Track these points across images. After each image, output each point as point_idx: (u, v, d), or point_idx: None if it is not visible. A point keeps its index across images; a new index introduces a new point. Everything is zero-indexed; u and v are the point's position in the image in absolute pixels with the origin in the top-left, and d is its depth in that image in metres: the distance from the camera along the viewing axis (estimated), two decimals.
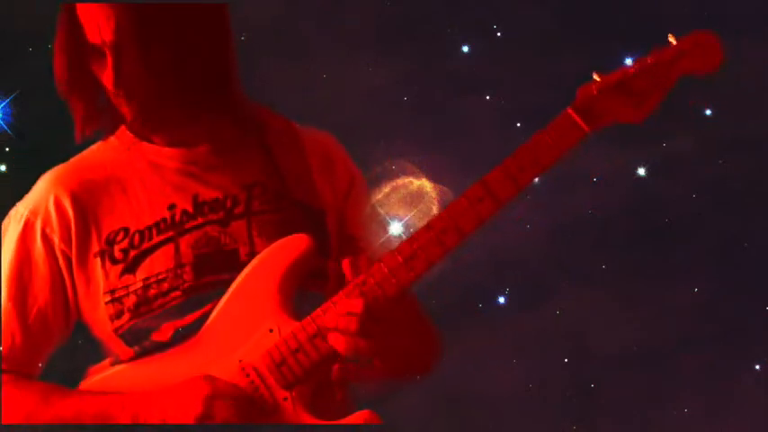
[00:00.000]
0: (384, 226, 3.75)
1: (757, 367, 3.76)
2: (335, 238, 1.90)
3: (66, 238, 1.84)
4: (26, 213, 1.86)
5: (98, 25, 1.77)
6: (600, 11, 3.70)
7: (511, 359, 3.79)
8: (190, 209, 1.83)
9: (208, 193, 1.84)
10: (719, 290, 3.77)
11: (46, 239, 1.85)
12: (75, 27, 1.82)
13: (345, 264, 1.76)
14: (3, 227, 1.90)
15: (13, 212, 1.89)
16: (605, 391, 3.84)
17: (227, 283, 1.80)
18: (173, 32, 1.77)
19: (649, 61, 1.86)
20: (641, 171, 3.80)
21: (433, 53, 3.82)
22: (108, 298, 1.82)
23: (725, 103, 3.75)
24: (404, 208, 3.76)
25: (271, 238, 1.81)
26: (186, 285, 1.80)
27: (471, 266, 3.56)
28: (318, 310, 1.76)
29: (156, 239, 1.81)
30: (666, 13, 3.72)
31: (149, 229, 1.82)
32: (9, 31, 3.68)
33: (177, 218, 1.82)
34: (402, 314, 1.77)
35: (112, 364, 1.84)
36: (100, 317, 1.84)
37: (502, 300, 3.83)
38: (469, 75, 3.83)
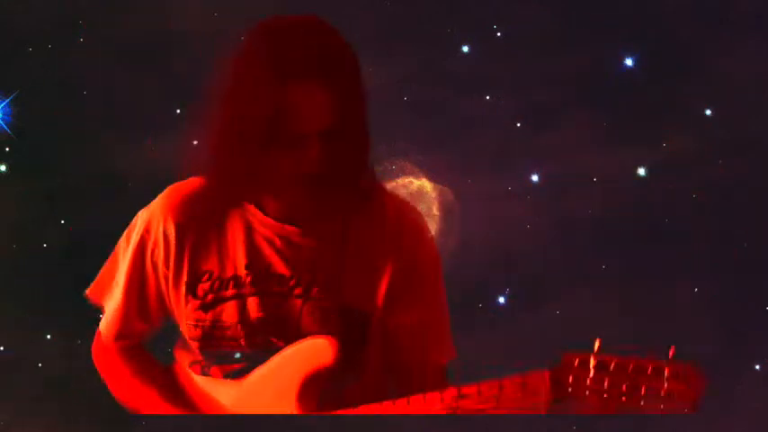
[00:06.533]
0: None
1: (757, 367, 3.76)
2: (377, 337, 2.05)
3: (166, 263, 2.08)
4: (142, 231, 2.10)
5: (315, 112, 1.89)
6: (600, 11, 3.70)
7: (511, 359, 3.78)
8: (263, 275, 2.05)
9: (280, 268, 2.04)
10: (719, 290, 3.76)
11: (152, 259, 2.10)
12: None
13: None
14: (135, 220, 2.15)
15: (142, 216, 2.13)
16: None
17: (274, 348, 2.04)
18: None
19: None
20: (641, 171, 3.80)
21: (433, 53, 3.82)
22: (185, 321, 2.09)
23: (725, 103, 3.75)
24: None
25: (315, 323, 2.02)
26: (241, 340, 2.05)
27: (471, 266, 3.56)
28: None
29: (230, 291, 2.05)
30: (667, 13, 3.72)
31: (228, 280, 2.05)
32: (9, 31, 3.68)
33: (250, 279, 2.04)
34: None
35: (203, 372, 2.11)
36: (183, 330, 2.11)
37: (502, 300, 3.83)
38: (469, 75, 3.83)
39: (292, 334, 2.02)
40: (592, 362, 1.78)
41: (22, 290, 3.66)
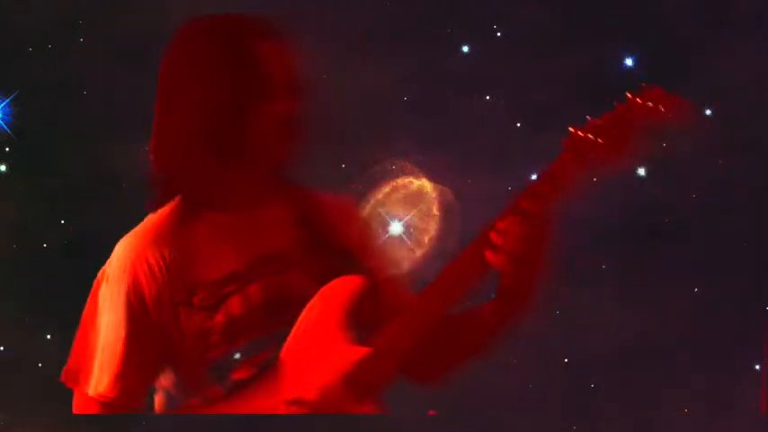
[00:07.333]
0: (384, 226, 3.76)
1: (757, 367, 3.76)
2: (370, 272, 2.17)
3: (158, 297, 2.08)
4: (121, 280, 2.09)
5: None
6: (600, 11, 3.70)
7: (511, 359, 3.78)
8: (252, 261, 2.10)
9: (264, 248, 2.11)
10: (719, 290, 3.76)
11: (142, 301, 2.08)
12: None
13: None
14: (96, 289, 2.13)
15: (108, 278, 2.11)
16: (605, 391, 3.84)
17: (293, 322, 2.08)
18: None
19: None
20: (641, 171, 3.80)
21: (433, 53, 3.82)
22: (192, 339, 2.07)
23: (725, 103, 3.75)
24: (404, 208, 3.77)
25: (320, 281, 2.09)
26: (259, 326, 2.07)
27: None
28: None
29: (229, 288, 2.08)
30: (667, 13, 3.72)
31: (222, 279, 2.08)
32: (9, 31, 3.69)
33: (243, 270, 2.09)
34: None
35: (208, 402, 2.08)
36: (188, 357, 2.08)
37: None
38: (469, 75, 3.83)
39: (301, 304, 2.08)
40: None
41: (22, 290, 3.66)
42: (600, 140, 2.07)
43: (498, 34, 3.87)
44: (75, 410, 2.16)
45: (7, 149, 3.73)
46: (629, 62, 3.77)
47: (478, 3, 3.82)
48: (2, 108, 3.62)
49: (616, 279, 3.80)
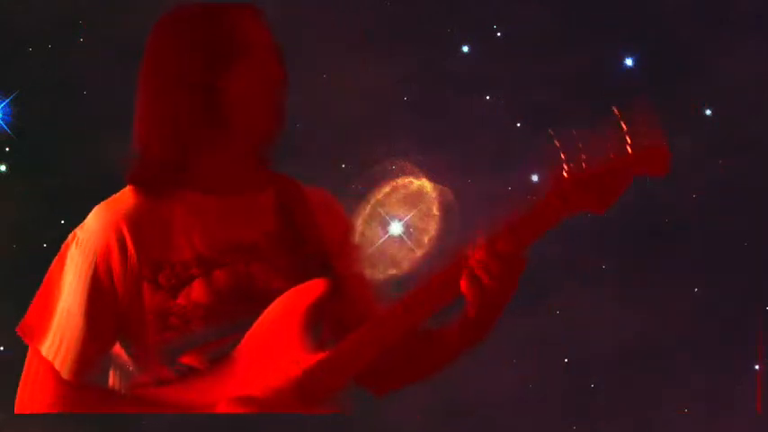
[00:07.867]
0: (384, 226, 3.76)
1: (757, 367, 3.76)
2: (341, 278, 2.16)
3: (124, 268, 2.07)
4: (91, 245, 2.10)
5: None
6: (600, 11, 3.70)
7: (511, 359, 3.79)
8: (222, 248, 2.09)
9: (238, 237, 2.10)
10: (719, 290, 3.77)
11: (108, 270, 2.08)
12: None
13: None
14: (65, 249, 2.13)
15: (78, 241, 2.11)
16: (605, 391, 3.84)
17: (253, 314, 2.07)
18: None
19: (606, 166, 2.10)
20: None
21: (433, 53, 3.82)
22: (152, 317, 2.06)
23: (725, 103, 3.75)
24: (404, 208, 3.77)
25: (288, 279, 2.08)
26: (218, 314, 2.06)
27: None
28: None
29: (193, 271, 2.07)
30: (667, 13, 3.72)
31: (188, 262, 2.07)
32: (9, 31, 3.69)
33: (211, 255, 2.08)
34: None
35: (158, 383, 2.07)
36: (143, 334, 2.08)
37: None
38: (469, 75, 3.83)
39: (264, 298, 2.07)
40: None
41: (22, 290, 3.65)
42: (593, 193, 2.07)
43: (498, 34, 3.87)
44: (27, 365, 2.20)
45: (7, 149, 3.73)
46: (629, 62, 3.78)
47: (478, 3, 3.82)
48: (2, 108, 3.62)
49: (616, 279, 3.80)
